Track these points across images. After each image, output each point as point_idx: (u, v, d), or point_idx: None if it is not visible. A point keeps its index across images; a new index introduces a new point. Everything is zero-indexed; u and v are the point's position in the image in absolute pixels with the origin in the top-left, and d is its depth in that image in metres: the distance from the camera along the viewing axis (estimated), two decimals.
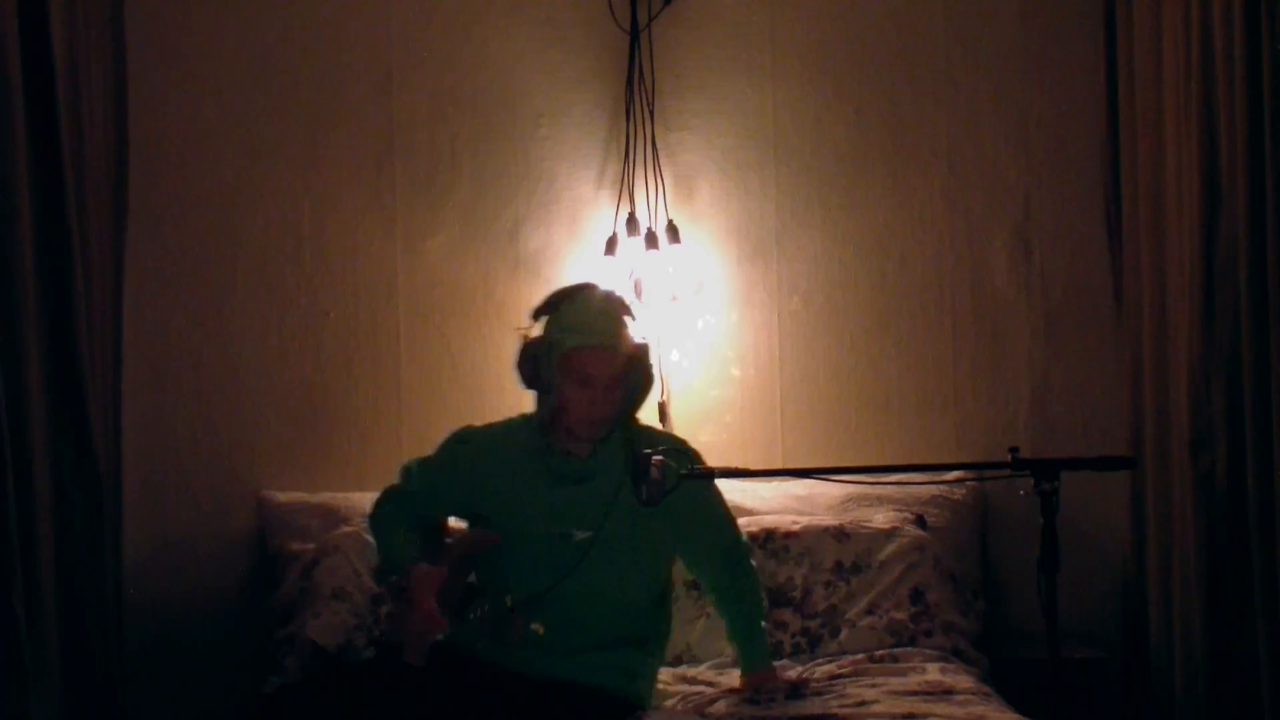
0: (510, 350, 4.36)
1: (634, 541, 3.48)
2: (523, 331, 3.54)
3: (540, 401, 3.52)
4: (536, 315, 3.52)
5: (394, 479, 3.64)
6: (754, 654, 3.66)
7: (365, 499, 4.23)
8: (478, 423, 3.61)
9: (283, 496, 4.29)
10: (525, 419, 3.61)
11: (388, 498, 3.62)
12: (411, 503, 3.59)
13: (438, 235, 4.44)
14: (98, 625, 3.81)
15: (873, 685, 3.64)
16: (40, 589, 3.44)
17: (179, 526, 4.33)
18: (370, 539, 3.67)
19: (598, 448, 3.51)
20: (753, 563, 3.73)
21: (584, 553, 3.40)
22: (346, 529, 4.09)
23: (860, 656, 3.84)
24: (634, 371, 3.50)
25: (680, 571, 3.78)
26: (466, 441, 3.60)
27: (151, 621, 4.23)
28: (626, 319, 3.50)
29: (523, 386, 3.53)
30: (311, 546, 4.09)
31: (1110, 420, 4.39)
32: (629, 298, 3.57)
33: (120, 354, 4.13)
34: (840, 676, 3.73)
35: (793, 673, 3.77)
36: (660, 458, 3.20)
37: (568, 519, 3.45)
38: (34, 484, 3.44)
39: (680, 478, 3.30)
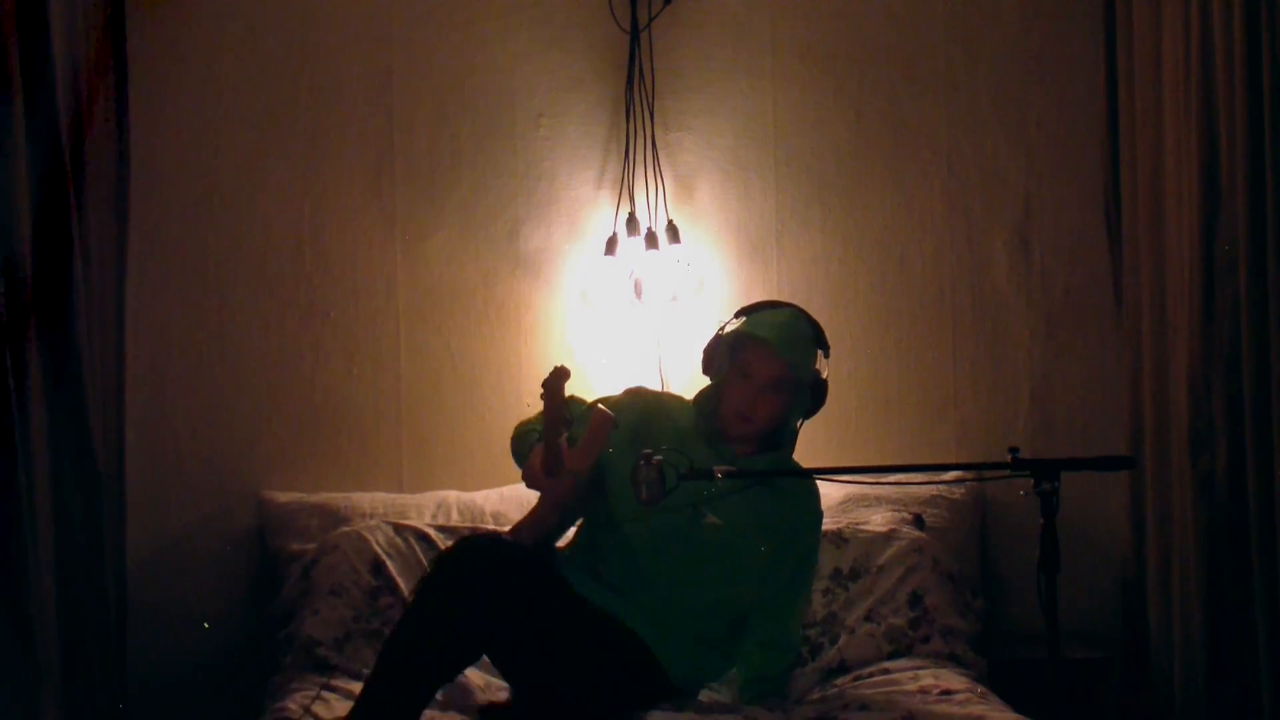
0: (511, 350, 4.43)
1: (756, 546, 3.54)
2: (721, 325, 3.65)
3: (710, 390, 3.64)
4: (739, 314, 3.64)
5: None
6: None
7: (365, 499, 4.25)
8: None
9: (283, 496, 4.29)
10: (686, 402, 3.71)
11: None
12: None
13: (438, 235, 4.45)
14: (98, 625, 3.81)
15: (872, 688, 3.65)
16: (40, 589, 3.43)
17: (179, 526, 4.33)
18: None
19: (757, 456, 3.56)
20: (791, 659, 3.76)
21: (714, 533, 3.52)
22: (346, 529, 4.09)
23: (849, 678, 3.83)
24: (799, 396, 3.56)
25: None
26: (640, 394, 3.73)
27: (152, 621, 4.22)
28: (815, 346, 3.59)
29: (701, 371, 3.68)
30: (312, 546, 4.09)
31: (1110, 420, 4.39)
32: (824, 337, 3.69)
33: (121, 354, 4.14)
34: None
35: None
36: (659, 458, 3.21)
37: (705, 501, 3.51)
38: (34, 484, 3.44)
39: (680, 477, 3.33)
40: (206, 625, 4.21)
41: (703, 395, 3.66)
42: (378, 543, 4.01)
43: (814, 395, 3.60)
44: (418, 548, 4.03)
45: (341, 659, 3.82)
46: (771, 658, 3.69)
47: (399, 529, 4.07)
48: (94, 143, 3.88)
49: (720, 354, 3.61)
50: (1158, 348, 4.08)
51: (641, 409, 3.66)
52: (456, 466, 4.39)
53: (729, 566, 3.56)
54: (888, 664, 3.85)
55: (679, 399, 3.77)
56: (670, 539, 3.55)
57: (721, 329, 3.64)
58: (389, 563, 3.98)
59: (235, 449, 4.36)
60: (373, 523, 4.10)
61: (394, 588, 3.94)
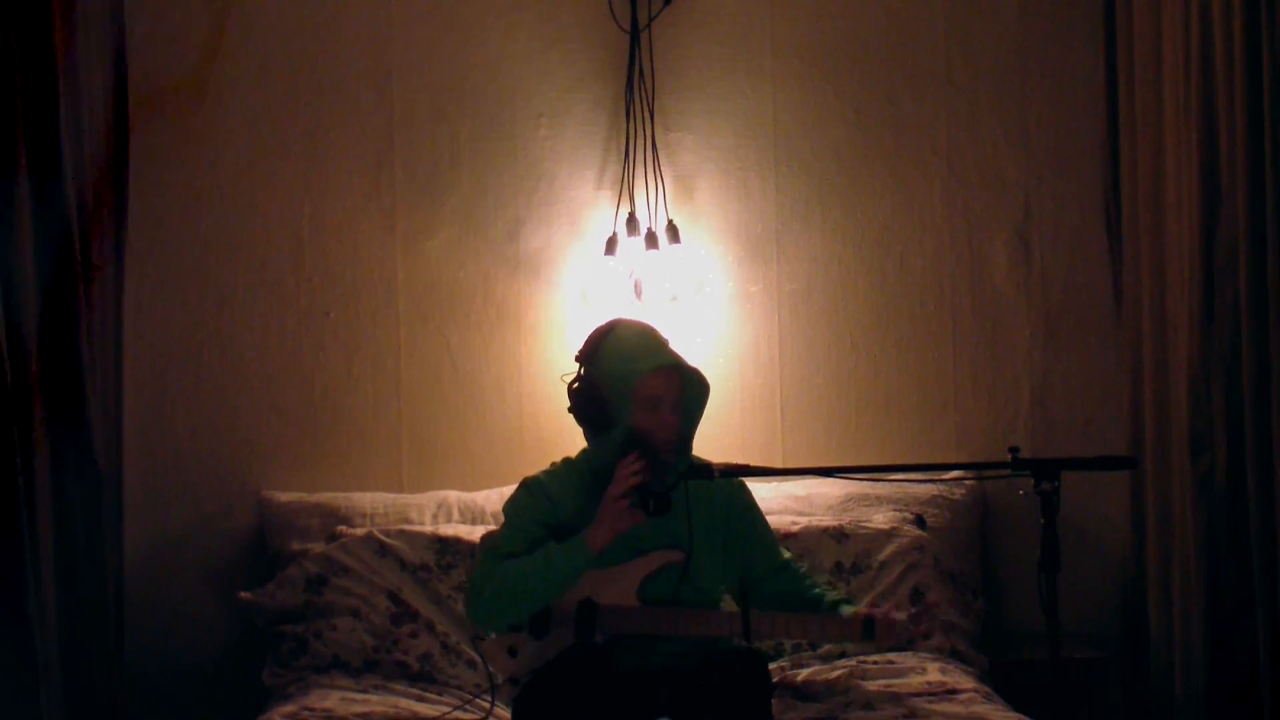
0: (510, 350, 4.43)
1: (715, 556, 3.52)
2: (568, 379, 3.50)
3: (602, 440, 3.47)
4: (583, 358, 3.49)
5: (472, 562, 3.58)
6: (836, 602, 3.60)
7: (365, 499, 4.25)
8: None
9: (283, 496, 4.29)
10: (573, 462, 3.57)
11: (493, 565, 3.46)
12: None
13: (438, 235, 4.45)
14: (98, 625, 3.81)
15: (875, 685, 3.65)
16: (40, 589, 3.44)
17: (179, 526, 4.33)
18: (490, 608, 3.46)
19: (674, 465, 3.49)
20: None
21: (682, 572, 3.44)
22: (345, 538, 4.08)
23: (854, 662, 3.84)
24: (689, 391, 3.50)
25: None
26: (544, 491, 3.52)
27: (152, 621, 4.23)
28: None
29: (588, 431, 3.49)
30: (311, 547, 4.09)
31: (1110, 420, 4.39)
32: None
33: (120, 354, 4.14)
34: (842, 677, 3.74)
35: (801, 675, 3.78)
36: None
37: (657, 545, 3.46)
38: (34, 484, 3.44)
39: (680, 476, 3.33)
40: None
41: (609, 446, 3.45)
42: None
43: (699, 375, 3.52)
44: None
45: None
46: (798, 581, 3.66)
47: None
48: (93, 142, 3.88)
49: (616, 405, 3.42)
50: (1158, 348, 4.08)
51: (553, 502, 3.51)
52: (456, 466, 4.39)
53: (702, 588, 3.51)
54: (891, 655, 3.85)
55: (562, 465, 3.59)
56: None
57: (589, 384, 3.45)
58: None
59: (235, 449, 4.36)
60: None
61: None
